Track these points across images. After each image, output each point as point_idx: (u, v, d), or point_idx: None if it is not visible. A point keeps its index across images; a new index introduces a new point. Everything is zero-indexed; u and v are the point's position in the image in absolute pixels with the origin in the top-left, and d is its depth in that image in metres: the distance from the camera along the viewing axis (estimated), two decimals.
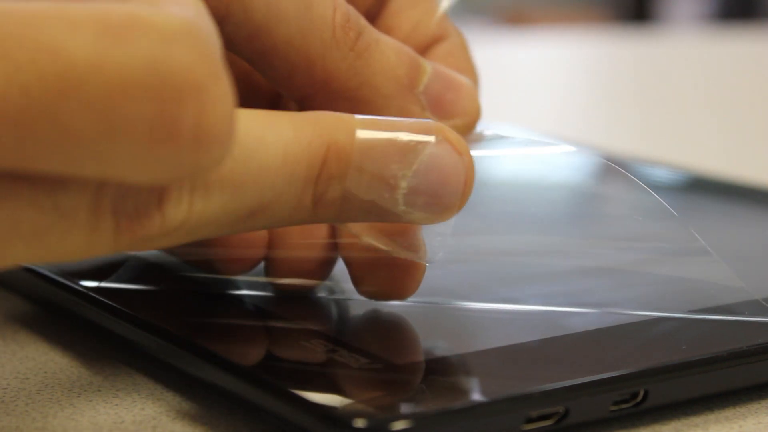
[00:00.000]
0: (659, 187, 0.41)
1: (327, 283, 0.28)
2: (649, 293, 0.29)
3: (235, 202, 0.22)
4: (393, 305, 0.27)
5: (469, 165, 0.24)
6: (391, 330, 0.27)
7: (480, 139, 0.28)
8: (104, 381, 0.26)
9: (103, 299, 0.27)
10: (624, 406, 0.23)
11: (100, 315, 0.27)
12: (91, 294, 0.27)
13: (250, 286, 0.28)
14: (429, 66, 0.28)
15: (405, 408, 0.22)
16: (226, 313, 0.27)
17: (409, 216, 0.24)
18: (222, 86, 0.19)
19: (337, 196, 0.23)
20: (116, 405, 0.25)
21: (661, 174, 0.44)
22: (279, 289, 0.27)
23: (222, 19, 0.25)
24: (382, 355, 0.24)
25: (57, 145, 0.18)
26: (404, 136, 0.24)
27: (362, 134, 0.24)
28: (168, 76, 0.18)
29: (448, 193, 0.24)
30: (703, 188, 0.43)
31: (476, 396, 0.22)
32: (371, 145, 0.24)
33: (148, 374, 0.26)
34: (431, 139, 0.24)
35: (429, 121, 0.24)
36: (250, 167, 0.22)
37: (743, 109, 0.78)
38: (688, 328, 0.26)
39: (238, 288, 0.28)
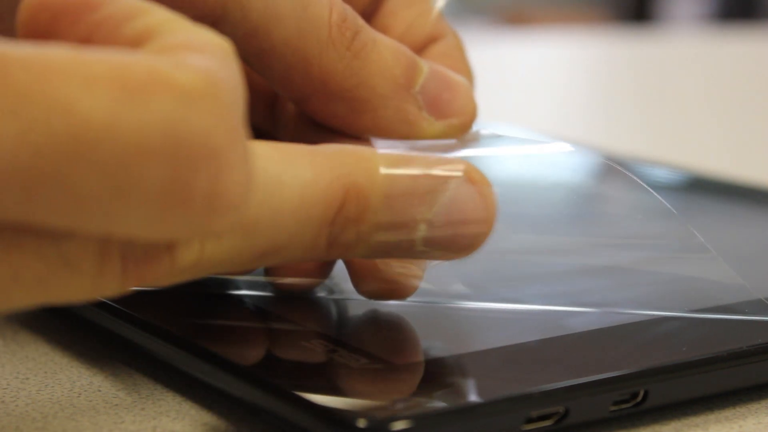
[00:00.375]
0: (659, 187, 0.41)
1: (327, 283, 0.28)
2: (650, 292, 0.29)
3: (247, 245, 0.22)
4: (393, 305, 0.27)
5: (491, 204, 0.24)
6: (391, 330, 0.27)
7: (477, 139, 0.28)
8: (104, 381, 0.26)
9: (103, 300, 0.27)
10: (624, 406, 0.23)
11: (100, 315, 0.27)
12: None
13: (251, 286, 0.28)
14: (426, 65, 0.28)
15: (405, 408, 0.22)
16: (227, 314, 0.27)
17: (425, 255, 0.24)
18: (239, 151, 0.19)
19: (352, 238, 0.23)
20: (116, 405, 0.25)
21: (661, 174, 0.44)
22: (279, 289, 0.27)
23: (218, 19, 0.25)
24: (382, 356, 0.24)
25: (65, 205, 0.18)
26: (426, 178, 0.23)
27: (384, 174, 0.23)
28: (184, 141, 0.18)
29: (469, 234, 0.24)
30: (703, 188, 0.43)
31: (476, 396, 0.22)
32: (392, 188, 0.23)
33: (148, 374, 0.26)
34: (456, 174, 0.23)
35: (453, 159, 0.24)
36: (265, 210, 0.21)
37: (743, 109, 0.78)
38: (689, 327, 0.26)
39: (239, 288, 0.28)
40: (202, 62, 0.19)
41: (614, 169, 0.29)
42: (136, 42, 0.19)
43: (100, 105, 0.17)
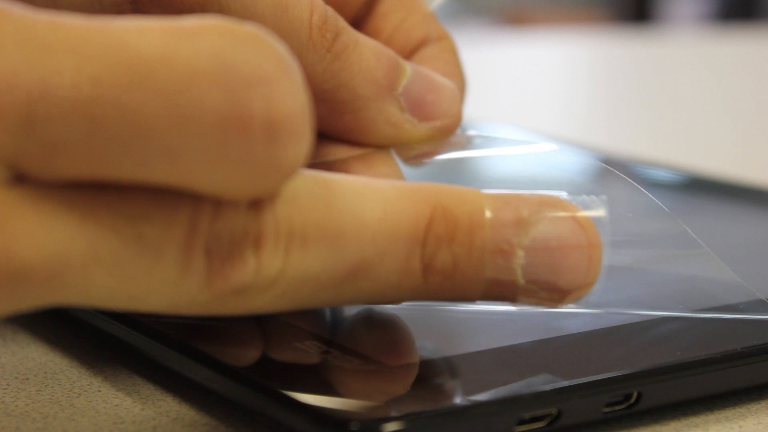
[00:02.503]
0: (659, 188, 0.41)
1: None
2: (647, 292, 0.29)
3: (334, 256, 0.21)
4: (386, 306, 0.27)
5: (594, 242, 0.23)
6: (385, 331, 0.27)
7: (463, 141, 0.28)
8: (104, 381, 0.26)
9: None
10: (617, 407, 0.23)
11: (99, 318, 0.27)
12: None
13: None
14: (409, 67, 0.28)
15: (398, 409, 0.22)
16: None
17: (532, 295, 0.23)
18: (292, 80, 0.19)
19: (448, 261, 0.22)
20: (116, 405, 0.25)
21: (661, 174, 0.44)
22: None
23: None
24: (376, 357, 0.24)
25: (127, 139, 0.18)
26: (518, 200, 0.23)
27: (474, 196, 0.23)
28: (234, 67, 0.18)
29: (571, 267, 0.23)
30: (703, 188, 0.43)
31: (469, 397, 0.22)
32: (481, 207, 0.22)
33: (147, 375, 0.26)
34: (550, 209, 0.23)
35: (551, 197, 0.23)
36: (348, 218, 0.21)
37: (743, 109, 0.78)
38: (686, 328, 0.26)
39: None
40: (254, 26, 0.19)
41: (607, 170, 0.29)
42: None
43: (153, 43, 0.18)
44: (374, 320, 0.27)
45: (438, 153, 0.28)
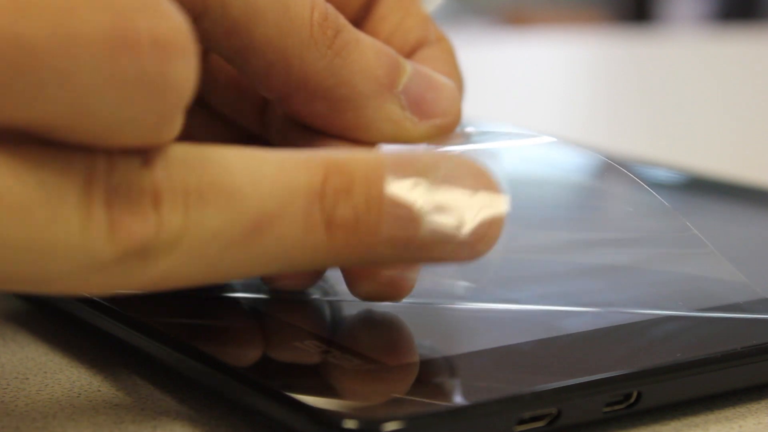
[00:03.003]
0: (659, 188, 0.41)
1: (321, 284, 0.28)
2: (649, 291, 0.29)
3: (233, 209, 0.21)
4: (386, 306, 0.27)
5: (492, 188, 0.23)
6: (384, 331, 0.27)
7: (462, 137, 0.28)
8: (104, 381, 0.26)
9: (102, 302, 0.27)
10: (617, 407, 0.23)
11: (99, 317, 0.27)
12: (91, 297, 0.27)
13: (246, 288, 0.28)
14: (409, 66, 0.28)
15: (397, 409, 0.22)
16: (221, 315, 0.27)
17: (439, 249, 0.23)
18: (171, 6, 0.20)
19: (349, 214, 0.22)
20: (116, 405, 0.25)
21: (661, 174, 0.44)
22: (273, 291, 0.27)
23: (200, 15, 0.25)
24: (375, 356, 0.24)
25: (18, 65, 0.18)
26: (414, 156, 0.23)
27: (363, 155, 0.23)
28: None
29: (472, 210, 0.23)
30: (703, 188, 0.43)
31: (468, 397, 0.22)
32: (377, 163, 0.23)
33: (147, 375, 0.26)
34: (449, 160, 0.23)
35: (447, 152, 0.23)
36: (244, 174, 0.22)
37: (743, 109, 0.78)
38: (686, 327, 0.26)
39: (233, 290, 0.28)
40: None
41: (607, 165, 0.29)
42: None
43: None
44: (374, 320, 0.27)
45: (436, 148, 0.28)
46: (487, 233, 0.23)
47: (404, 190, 0.23)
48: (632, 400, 0.24)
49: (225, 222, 0.21)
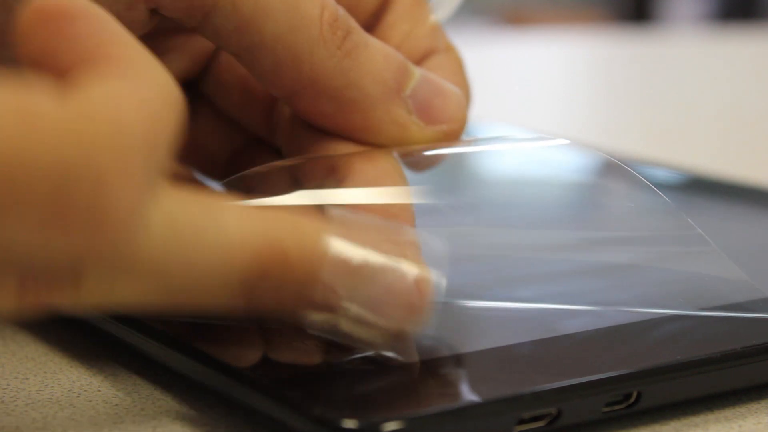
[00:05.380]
0: (659, 188, 0.41)
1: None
2: (651, 291, 0.29)
3: (159, 289, 0.21)
4: None
5: (424, 299, 0.23)
6: None
7: (471, 141, 0.28)
8: (104, 381, 0.26)
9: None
10: (617, 407, 0.23)
11: (98, 317, 0.27)
12: None
13: None
14: (417, 71, 0.28)
15: (397, 409, 0.22)
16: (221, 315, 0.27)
17: (351, 334, 0.23)
18: (129, 177, 0.19)
19: (271, 302, 0.22)
20: (116, 405, 0.25)
21: (661, 174, 0.44)
22: None
23: (210, 11, 0.26)
24: (375, 357, 0.24)
25: None
26: (368, 268, 0.23)
27: (321, 251, 0.22)
28: (69, 160, 0.18)
29: (399, 320, 0.23)
30: (703, 188, 0.43)
31: (468, 397, 0.22)
32: (326, 267, 0.22)
33: (147, 375, 0.26)
34: (403, 272, 0.23)
35: (394, 258, 0.23)
36: (179, 259, 0.21)
37: (743, 109, 0.78)
38: (685, 327, 0.26)
39: None
40: (117, 101, 0.19)
41: (611, 164, 0.29)
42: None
43: None
44: None
45: (442, 149, 0.28)
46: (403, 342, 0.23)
47: (333, 292, 0.22)
48: (632, 400, 0.24)
49: (146, 294, 0.21)
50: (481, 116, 0.29)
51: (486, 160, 0.33)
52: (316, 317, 0.23)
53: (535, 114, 0.75)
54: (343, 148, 0.28)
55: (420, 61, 0.30)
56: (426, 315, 0.23)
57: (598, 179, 0.35)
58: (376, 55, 0.27)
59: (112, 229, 0.19)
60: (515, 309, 0.27)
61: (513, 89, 0.87)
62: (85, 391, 0.26)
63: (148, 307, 0.22)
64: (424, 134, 0.28)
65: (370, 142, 0.28)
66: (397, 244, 0.23)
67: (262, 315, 0.23)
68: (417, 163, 0.28)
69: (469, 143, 0.29)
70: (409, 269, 0.23)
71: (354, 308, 0.23)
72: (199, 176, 0.32)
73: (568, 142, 0.29)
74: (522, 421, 0.22)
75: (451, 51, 0.30)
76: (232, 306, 0.22)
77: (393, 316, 0.23)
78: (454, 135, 0.28)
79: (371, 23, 0.30)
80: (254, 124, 0.31)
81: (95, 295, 0.21)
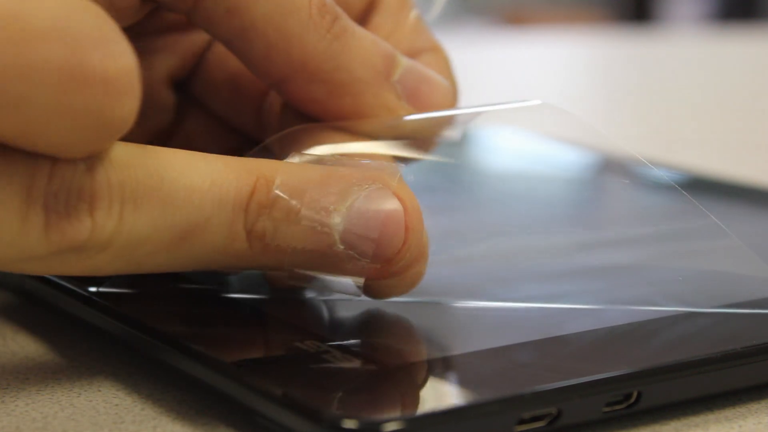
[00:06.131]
0: (659, 188, 0.41)
1: (320, 283, 0.28)
2: (652, 290, 0.29)
3: (164, 219, 0.23)
4: (387, 306, 0.27)
5: (413, 213, 0.25)
6: (384, 331, 0.27)
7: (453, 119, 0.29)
8: (104, 381, 0.26)
9: (102, 302, 0.27)
10: (617, 407, 0.23)
11: (99, 317, 0.27)
12: (91, 297, 0.27)
13: (245, 288, 0.28)
14: (404, 59, 0.28)
15: (396, 409, 0.22)
16: (220, 314, 0.27)
17: (351, 263, 0.24)
18: (124, 44, 0.21)
19: (269, 227, 0.24)
20: (116, 405, 0.25)
21: (661, 174, 0.44)
22: (272, 290, 0.27)
23: None
24: (375, 356, 0.24)
25: None
26: (339, 176, 0.25)
27: (289, 163, 0.25)
28: (76, 27, 0.20)
29: (387, 237, 0.24)
30: (703, 188, 0.43)
31: (468, 397, 0.22)
32: (299, 177, 0.24)
33: (147, 375, 0.26)
34: (369, 184, 0.24)
35: (371, 171, 0.25)
36: (179, 186, 0.23)
37: (743, 109, 0.78)
38: (685, 327, 0.26)
39: (233, 290, 0.28)
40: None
41: (626, 157, 0.29)
42: None
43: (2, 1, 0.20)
44: (374, 320, 0.27)
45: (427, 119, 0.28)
46: (399, 256, 0.25)
47: (323, 207, 0.24)
48: (632, 400, 0.24)
49: (154, 230, 0.23)
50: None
51: (495, 160, 0.33)
52: (310, 234, 0.24)
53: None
54: (332, 136, 0.28)
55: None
56: (413, 234, 0.25)
57: (605, 175, 0.35)
58: (364, 40, 0.27)
59: (124, 92, 0.21)
60: (515, 309, 0.27)
61: (513, 89, 0.87)
62: (85, 391, 0.26)
63: (157, 253, 0.23)
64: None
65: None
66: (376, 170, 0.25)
67: (266, 255, 0.24)
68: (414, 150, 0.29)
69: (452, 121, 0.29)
70: (389, 184, 0.25)
71: (341, 219, 0.24)
72: None
73: (539, 101, 0.29)
74: (522, 421, 0.22)
75: (438, 50, 0.31)
76: (235, 240, 0.24)
77: (381, 226, 0.24)
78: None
79: (359, 23, 0.30)
80: (244, 122, 0.31)
81: (108, 228, 0.22)
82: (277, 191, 0.24)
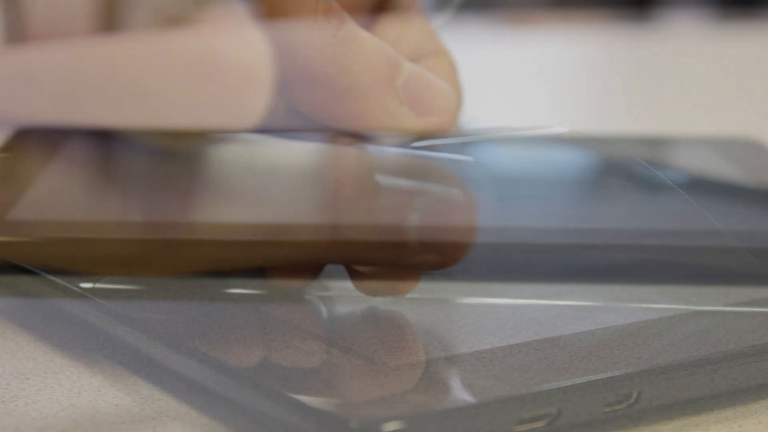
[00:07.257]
0: (659, 188, 0.41)
1: (322, 280, 0.28)
2: (652, 289, 0.29)
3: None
4: (387, 306, 0.27)
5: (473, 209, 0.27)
6: (385, 331, 0.27)
7: (471, 135, 0.29)
8: (104, 381, 0.26)
9: (103, 302, 0.27)
10: (617, 407, 0.23)
11: (99, 317, 0.27)
12: (89, 296, 0.27)
13: (245, 286, 0.28)
14: (407, 65, 0.28)
15: (397, 409, 0.22)
16: (220, 314, 0.27)
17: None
18: (260, 41, 0.25)
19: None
20: (116, 405, 0.25)
21: (661, 174, 0.44)
22: (272, 290, 0.27)
23: None
24: (376, 356, 0.24)
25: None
26: None
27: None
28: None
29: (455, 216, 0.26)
30: (703, 188, 0.43)
31: (468, 397, 0.22)
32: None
33: (147, 375, 0.26)
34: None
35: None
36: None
37: (743, 108, 0.78)
38: (685, 327, 0.26)
39: (233, 287, 0.28)
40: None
41: (630, 159, 0.29)
42: None
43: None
44: (375, 319, 0.27)
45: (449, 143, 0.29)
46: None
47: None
48: (632, 400, 0.24)
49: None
50: (481, 116, 0.29)
51: (506, 162, 0.33)
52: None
53: (534, 113, 0.75)
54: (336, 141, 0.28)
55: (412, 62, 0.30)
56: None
57: (609, 177, 0.35)
58: (368, 46, 0.27)
59: None
60: (515, 309, 0.27)
61: (513, 89, 0.87)
62: (85, 391, 0.26)
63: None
64: (414, 125, 0.28)
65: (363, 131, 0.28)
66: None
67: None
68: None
69: (467, 136, 0.29)
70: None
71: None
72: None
73: (565, 129, 0.29)
74: (522, 421, 0.22)
75: (444, 55, 0.31)
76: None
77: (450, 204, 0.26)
78: (443, 127, 0.28)
79: (368, 21, 0.30)
80: None
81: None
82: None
